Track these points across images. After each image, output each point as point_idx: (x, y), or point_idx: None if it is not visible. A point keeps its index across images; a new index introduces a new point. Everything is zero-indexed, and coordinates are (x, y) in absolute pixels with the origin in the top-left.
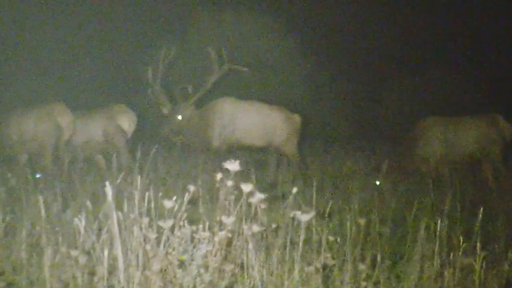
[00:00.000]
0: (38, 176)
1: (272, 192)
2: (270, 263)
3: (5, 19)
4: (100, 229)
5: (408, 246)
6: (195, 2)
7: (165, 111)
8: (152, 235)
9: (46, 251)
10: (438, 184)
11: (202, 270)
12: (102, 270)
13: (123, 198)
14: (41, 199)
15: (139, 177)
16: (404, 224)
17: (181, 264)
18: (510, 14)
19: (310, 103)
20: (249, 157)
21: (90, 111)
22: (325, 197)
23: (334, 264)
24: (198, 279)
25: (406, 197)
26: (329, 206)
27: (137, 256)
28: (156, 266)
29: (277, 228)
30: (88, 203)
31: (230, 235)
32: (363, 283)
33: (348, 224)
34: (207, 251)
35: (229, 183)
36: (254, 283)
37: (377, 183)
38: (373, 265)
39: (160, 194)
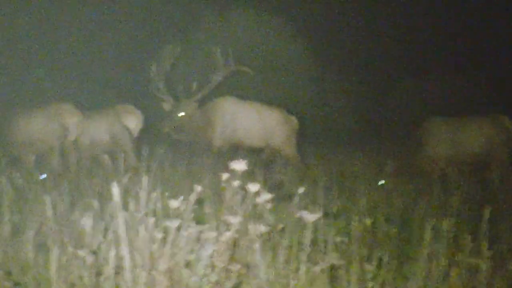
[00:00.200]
0: (42, 176)
1: (279, 192)
2: (277, 263)
3: (13, 21)
4: (106, 229)
5: (415, 246)
6: (204, 2)
7: (166, 107)
8: (159, 235)
9: (53, 251)
10: (445, 184)
11: (208, 270)
12: (108, 270)
13: (129, 198)
14: (48, 199)
15: (145, 177)
16: (411, 224)
17: (188, 264)
18: None
19: (317, 104)
20: (255, 157)
21: (97, 111)
22: (332, 197)
23: (341, 265)
24: (204, 279)
25: (413, 197)
26: (336, 206)
27: (144, 256)
28: (162, 266)
29: (284, 228)
30: (95, 203)
31: (236, 235)
32: (370, 283)
33: (355, 224)
34: (213, 251)
35: (236, 183)
36: (260, 284)
37: (382, 182)
38: (380, 265)
39: (167, 194)
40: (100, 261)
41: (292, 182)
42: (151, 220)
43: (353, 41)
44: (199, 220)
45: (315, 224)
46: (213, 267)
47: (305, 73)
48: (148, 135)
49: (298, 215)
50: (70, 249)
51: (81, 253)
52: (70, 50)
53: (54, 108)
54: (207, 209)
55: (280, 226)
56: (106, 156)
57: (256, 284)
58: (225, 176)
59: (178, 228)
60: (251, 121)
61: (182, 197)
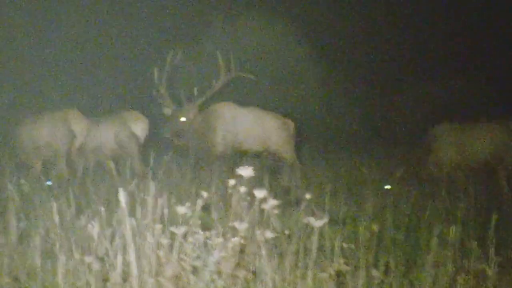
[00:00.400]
0: (48, 183)
1: (285, 198)
2: (283, 269)
3: (19, 27)
4: (113, 235)
5: (422, 252)
6: (208, 8)
7: (167, 112)
8: (165, 241)
9: (60, 258)
10: (452, 190)
11: (215, 276)
12: (115, 276)
13: (136, 204)
14: (55, 205)
15: (152, 183)
16: (418, 230)
17: (194, 270)
18: None
19: (323, 108)
20: (262, 163)
21: (103, 117)
22: (339, 203)
23: (348, 270)
24: (211, 285)
25: (420, 203)
26: (343, 212)
27: (150, 262)
28: (169, 272)
29: (290, 234)
30: (102, 209)
31: (243, 241)
32: None
33: (362, 230)
34: (220, 257)
35: (242, 189)
36: None
37: (388, 187)
38: (387, 271)
39: (173, 200)
40: (107, 268)
41: (299, 188)
42: (158, 226)
43: (358, 46)
44: (205, 226)
45: (322, 230)
46: (219, 273)
47: (311, 78)
48: (154, 141)
49: (305, 221)
50: (77, 255)
51: (88, 259)
52: (77, 57)
53: (60, 114)
54: (214, 215)
55: (287, 232)
56: (110, 162)
57: None
58: (231, 182)
59: (185, 234)
60: (250, 126)
61: (188, 204)
